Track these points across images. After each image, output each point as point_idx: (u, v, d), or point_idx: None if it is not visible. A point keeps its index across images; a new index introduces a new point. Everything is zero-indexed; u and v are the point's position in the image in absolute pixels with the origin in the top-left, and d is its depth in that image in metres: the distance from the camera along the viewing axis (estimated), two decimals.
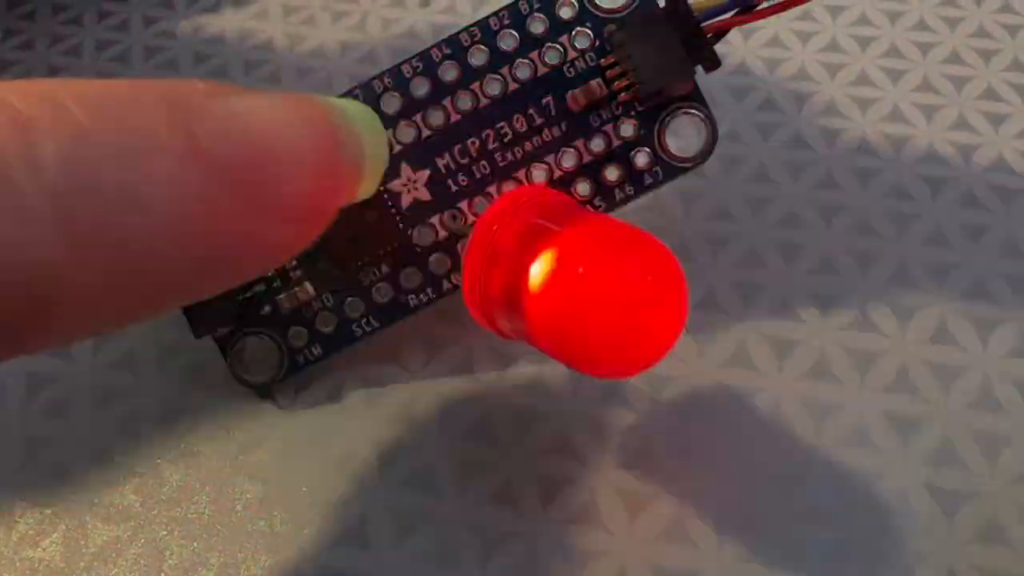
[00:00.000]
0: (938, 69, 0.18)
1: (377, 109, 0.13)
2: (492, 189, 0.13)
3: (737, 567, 0.12)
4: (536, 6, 0.13)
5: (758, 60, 0.18)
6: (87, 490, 0.13)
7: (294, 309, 0.13)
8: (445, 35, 0.13)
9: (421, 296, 0.13)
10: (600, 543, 0.12)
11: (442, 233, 0.13)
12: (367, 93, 0.13)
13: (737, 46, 0.18)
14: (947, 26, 0.18)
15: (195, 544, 0.12)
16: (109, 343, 0.14)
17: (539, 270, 0.11)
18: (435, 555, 0.12)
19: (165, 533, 0.12)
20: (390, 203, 0.13)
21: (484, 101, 0.13)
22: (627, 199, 0.13)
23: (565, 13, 0.13)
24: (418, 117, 0.13)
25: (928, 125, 0.17)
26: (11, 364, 0.14)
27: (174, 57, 0.19)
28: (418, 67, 0.13)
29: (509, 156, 0.13)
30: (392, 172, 0.13)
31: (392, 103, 0.13)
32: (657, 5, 0.13)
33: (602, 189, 0.13)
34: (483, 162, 0.13)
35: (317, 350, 0.13)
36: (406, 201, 0.13)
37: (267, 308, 0.13)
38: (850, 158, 0.16)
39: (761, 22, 0.17)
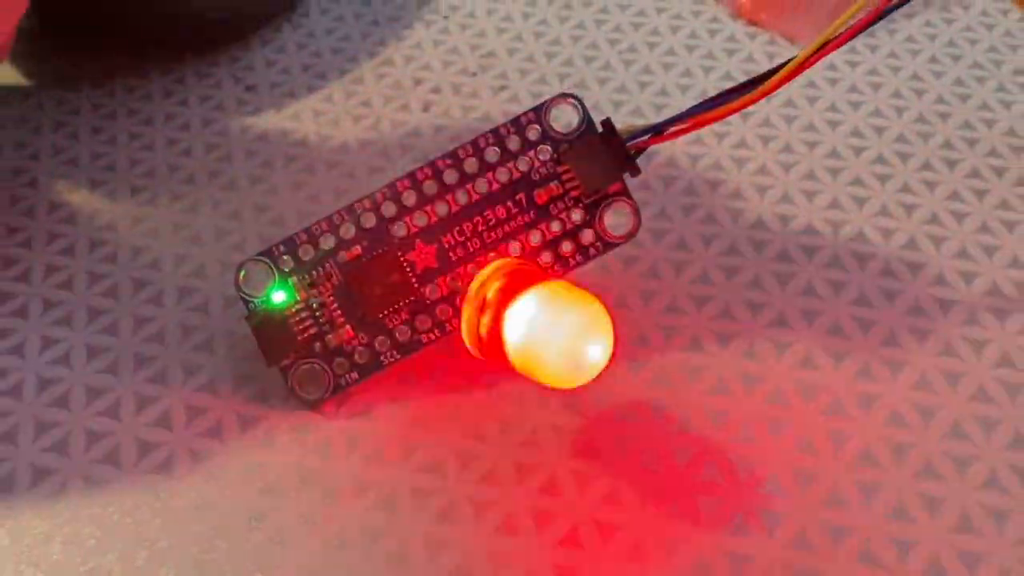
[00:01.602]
0: (821, 162, 0.23)
1: (399, 203, 0.18)
2: (481, 259, 0.18)
3: (656, 522, 0.17)
4: (512, 130, 0.18)
5: (684, 155, 0.23)
6: (191, 485, 0.18)
7: (338, 345, 0.18)
8: (442, 134, 0.18)
9: (431, 335, 0.18)
10: (559, 507, 0.17)
11: (446, 290, 0.18)
12: (392, 192, 0.18)
13: (668, 145, 0.24)
14: (830, 128, 0.24)
15: (271, 502, 0.17)
16: (197, 375, 0.19)
17: (509, 317, 0.16)
18: (446, 517, 0.17)
19: (247, 499, 0.17)
20: (408, 269, 0.18)
21: (475, 196, 0.18)
22: (577, 265, 0.18)
23: (532, 135, 0.18)
24: (429, 208, 0.18)
25: (809, 205, 0.22)
26: (132, 381, 0.19)
27: (228, 152, 0.24)
28: (428, 173, 0.18)
29: (493, 235, 0.18)
30: (410, 246, 0.18)
31: (411, 198, 0.18)
32: (597, 131, 0.18)
33: (559, 258, 0.18)
34: (475, 239, 0.18)
35: (355, 375, 0.18)
36: (420, 267, 0.18)
37: (318, 345, 0.18)
38: (749, 231, 0.22)
39: None
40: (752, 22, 0.27)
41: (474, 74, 0.26)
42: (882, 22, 0.21)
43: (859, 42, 0.26)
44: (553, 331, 0.15)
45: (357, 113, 0.25)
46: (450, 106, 0.25)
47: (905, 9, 0.27)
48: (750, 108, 0.24)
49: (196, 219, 0.23)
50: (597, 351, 0.15)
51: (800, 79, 0.25)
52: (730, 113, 0.18)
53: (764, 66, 0.25)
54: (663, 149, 0.23)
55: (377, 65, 0.27)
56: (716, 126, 0.24)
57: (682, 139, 0.24)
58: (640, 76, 0.26)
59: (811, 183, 0.23)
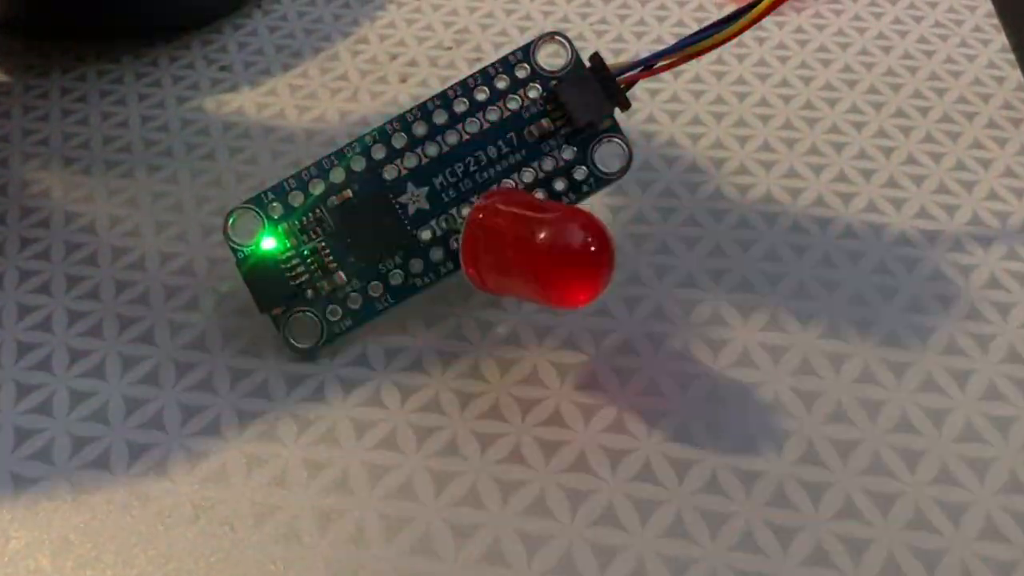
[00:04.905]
0: (797, 113, 0.24)
1: (389, 145, 0.18)
2: (473, 199, 0.18)
3: (662, 447, 0.16)
4: (500, 69, 0.18)
5: (662, 112, 0.24)
6: (186, 431, 0.17)
7: (330, 292, 0.18)
8: (421, 101, 0.18)
9: (424, 279, 0.18)
10: (565, 436, 0.17)
11: (439, 232, 0.18)
12: (381, 134, 0.18)
13: (647, 103, 0.24)
14: (803, 83, 0.24)
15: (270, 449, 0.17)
16: (185, 330, 0.19)
17: (516, 240, 0.16)
18: (444, 453, 0.17)
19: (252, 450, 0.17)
20: (400, 212, 0.18)
21: (466, 136, 0.18)
22: (571, 203, 0.18)
23: (521, 73, 0.18)
24: (419, 149, 0.18)
25: (790, 152, 0.22)
26: (107, 342, 0.19)
27: (205, 126, 0.24)
28: (417, 114, 0.18)
29: (484, 175, 0.18)
30: (401, 189, 0.18)
31: (400, 140, 0.18)
32: (585, 66, 0.18)
33: (553, 195, 0.18)
34: (467, 180, 0.18)
35: (348, 322, 0.18)
36: (412, 210, 0.18)
37: (310, 292, 0.18)
38: (732, 177, 0.22)
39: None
40: None
41: (449, 48, 0.26)
42: None
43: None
44: (555, 251, 0.15)
45: (334, 87, 0.25)
46: (427, 76, 0.25)
47: None
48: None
49: (176, 188, 0.22)
50: (597, 271, 0.15)
51: (770, 41, 0.26)
52: (716, 46, 0.18)
53: (714, 15, 0.26)
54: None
55: (352, 43, 0.27)
56: (691, 85, 0.24)
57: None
58: (612, 45, 0.26)
59: (788, 132, 0.23)
